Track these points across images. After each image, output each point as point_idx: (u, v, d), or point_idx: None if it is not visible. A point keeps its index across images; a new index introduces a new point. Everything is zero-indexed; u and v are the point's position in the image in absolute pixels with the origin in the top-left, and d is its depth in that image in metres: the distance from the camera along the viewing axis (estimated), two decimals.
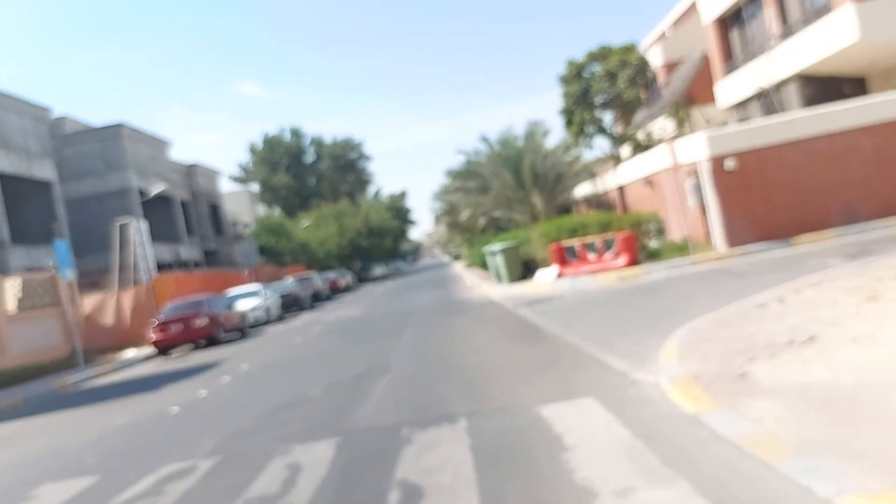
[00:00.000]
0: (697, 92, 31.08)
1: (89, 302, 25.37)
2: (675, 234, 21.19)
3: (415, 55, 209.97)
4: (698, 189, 19.23)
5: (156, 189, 28.91)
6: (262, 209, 79.11)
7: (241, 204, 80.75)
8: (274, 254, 54.53)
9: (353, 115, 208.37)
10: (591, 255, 19.30)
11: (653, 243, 20.69)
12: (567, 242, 19.88)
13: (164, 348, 20.45)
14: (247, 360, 15.03)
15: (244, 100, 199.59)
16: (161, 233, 45.60)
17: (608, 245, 19.08)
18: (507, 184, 27.73)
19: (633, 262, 18.62)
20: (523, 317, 13.40)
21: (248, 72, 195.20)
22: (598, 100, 27.96)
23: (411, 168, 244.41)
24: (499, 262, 22.11)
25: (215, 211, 59.56)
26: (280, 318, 28.27)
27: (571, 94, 27.37)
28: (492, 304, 17.93)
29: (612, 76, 26.92)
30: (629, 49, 27.62)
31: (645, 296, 13.10)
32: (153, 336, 20.28)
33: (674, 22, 42.63)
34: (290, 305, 31.43)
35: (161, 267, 40.86)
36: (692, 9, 38.84)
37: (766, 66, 24.75)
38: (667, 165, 20.64)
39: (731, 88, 28.85)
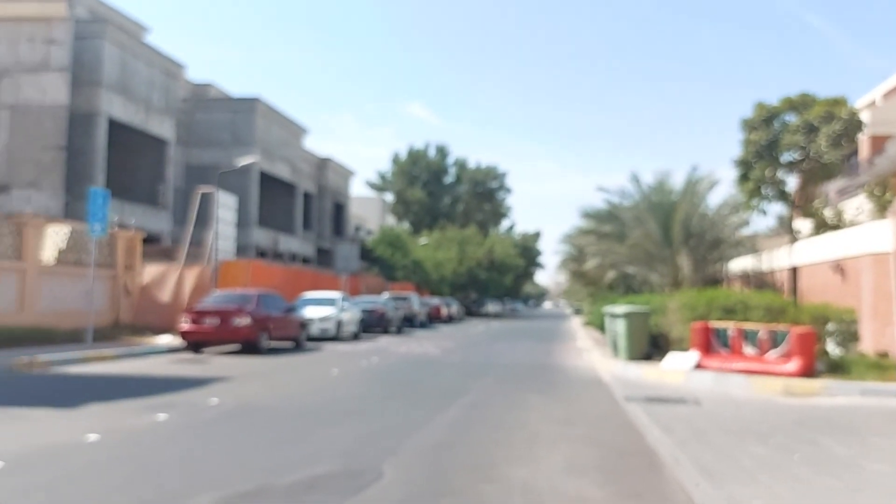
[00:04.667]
0: None
1: (150, 272, 22.60)
2: (868, 344, 15.46)
3: (582, 106, 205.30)
4: None
5: (244, 161, 25.90)
6: (391, 221, 76.75)
7: (372, 211, 78.97)
8: (387, 267, 51.37)
9: (508, 153, 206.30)
10: (749, 349, 13.98)
11: (836, 350, 15.06)
12: (718, 324, 14.68)
13: (194, 343, 17.01)
14: (241, 388, 11.09)
15: (410, 119, 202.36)
16: (273, 219, 43.49)
17: (776, 340, 13.71)
18: (651, 236, 22.55)
19: (808, 371, 13.18)
20: (634, 424, 8.61)
21: (419, 93, 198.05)
22: (786, 157, 22.32)
23: (554, 214, 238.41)
24: (619, 328, 17.09)
25: (339, 210, 57.40)
26: (355, 337, 24.38)
27: (754, 143, 21.82)
28: (596, 384, 13.12)
29: (811, 130, 21.24)
30: (839, 102, 21.82)
31: (842, 441, 7.90)
32: (184, 326, 16.90)
33: (888, 90, 35.83)
34: (374, 324, 27.57)
35: (261, 254, 38.49)
36: None
37: None
38: (877, 250, 15.08)
39: None
